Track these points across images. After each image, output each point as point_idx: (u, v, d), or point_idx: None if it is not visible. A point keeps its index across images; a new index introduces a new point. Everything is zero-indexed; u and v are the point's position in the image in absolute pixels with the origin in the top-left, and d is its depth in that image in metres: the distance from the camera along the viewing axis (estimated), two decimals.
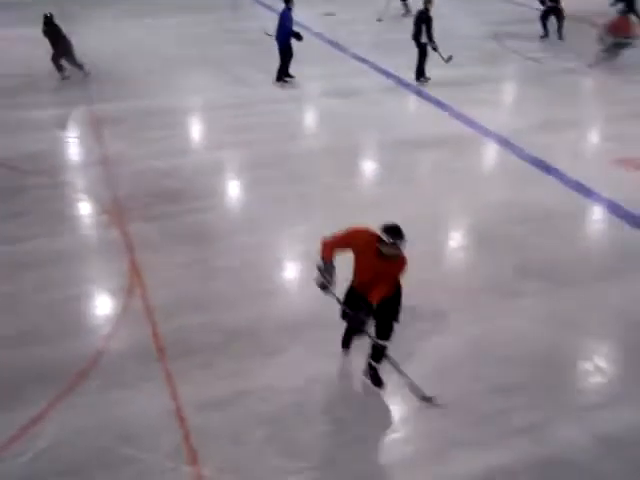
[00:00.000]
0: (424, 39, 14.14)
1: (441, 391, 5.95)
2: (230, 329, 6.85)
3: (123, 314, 7.12)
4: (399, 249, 5.49)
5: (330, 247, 5.79)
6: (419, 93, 13.97)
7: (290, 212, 9.21)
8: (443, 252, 8.47)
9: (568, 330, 6.89)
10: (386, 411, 6.00)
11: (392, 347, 5.96)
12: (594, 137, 12.52)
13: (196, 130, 12.86)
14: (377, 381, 6.11)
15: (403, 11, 20.95)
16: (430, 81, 14.38)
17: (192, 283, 7.65)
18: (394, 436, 5.72)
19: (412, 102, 13.79)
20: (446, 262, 8.26)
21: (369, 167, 11.04)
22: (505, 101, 14.49)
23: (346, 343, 6.49)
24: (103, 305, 7.49)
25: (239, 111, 12.95)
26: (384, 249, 5.49)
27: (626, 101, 13.77)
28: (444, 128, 12.01)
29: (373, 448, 5.61)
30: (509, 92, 15.09)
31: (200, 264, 8.03)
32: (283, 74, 14.54)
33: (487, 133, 11.80)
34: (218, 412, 5.84)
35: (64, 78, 14.88)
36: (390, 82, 14.66)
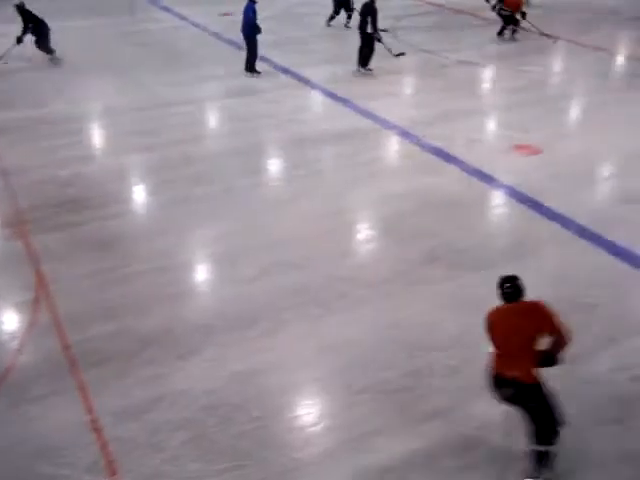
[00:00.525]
0: (370, 29, 14.49)
1: (355, 381, 6.08)
2: (143, 335, 6.78)
3: (31, 328, 6.95)
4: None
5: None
6: (320, 89, 14.08)
7: (198, 214, 9.16)
8: (351, 245, 8.58)
9: (475, 313, 7.06)
10: (303, 407, 6.07)
11: (304, 342, 6.04)
12: (491, 125, 12.92)
13: (98, 136, 12.59)
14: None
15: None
16: (330, 77, 14.55)
17: (101, 291, 7.53)
18: (313, 430, 5.78)
19: (313, 98, 13.89)
20: (354, 254, 8.36)
21: (274, 165, 11.09)
22: (404, 93, 14.75)
23: None
24: (9, 320, 7.28)
25: (141, 115, 12.77)
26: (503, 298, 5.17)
27: (518, 89, 14.27)
28: (346, 122, 12.16)
29: (293, 443, 5.65)
30: (408, 84, 15.35)
31: (108, 272, 7.90)
32: (252, 66, 14.85)
33: (388, 125, 12.01)
34: (135, 421, 5.78)
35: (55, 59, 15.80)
36: (291, 79, 14.72)
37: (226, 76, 14.85)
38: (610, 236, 8.56)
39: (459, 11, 21.64)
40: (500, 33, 18.00)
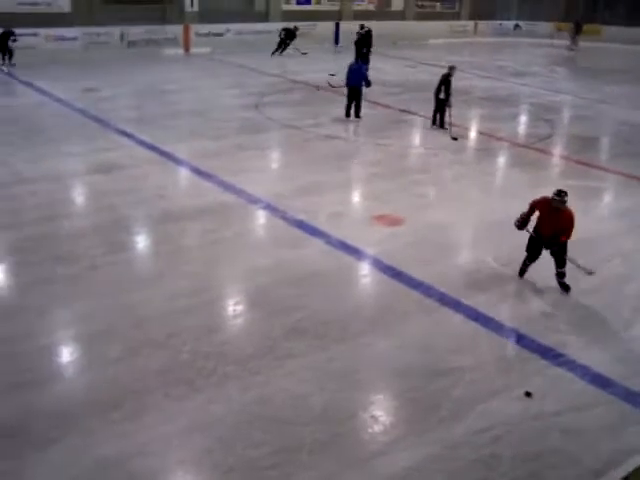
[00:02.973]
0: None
1: (223, 460, 5.96)
2: None
3: None
4: (564, 200, 8.61)
5: (522, 217, 9.29)
6: (184, 165, 14.06)
7: (60, 294, 8.82)
8: (216, 321, 8.44)
9: (342, 384, 7.16)
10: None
11: (169, 424, 5.86)
12: (353, 197, 13.28)
13: None
14: (565, 287, 9.19)
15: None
16: (195, 152, 14.63)
17: None
18: None
19: (177, 174, 13.81)
20: (220, 330, 8.22)
21: (139, 242, 10.87)
22: (269, 168, 14.93)
23: (522, 272, 9.53)
24: None
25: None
26: (554, 203, 8.71)
27: (378, 162, 14.82)
28: (210, 198, 12.14)
29: None
30: (272, 159, 15.61)
31: None
32: None
33: (252, 200, 12.10)
34: None
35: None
36: (154, 155, 14.63)
37: (89, 152, 14.56)
38: (468, 302, 8.90)
39: (321, 88, 22.39)
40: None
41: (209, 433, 6.33)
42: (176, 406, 6.63)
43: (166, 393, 6.80)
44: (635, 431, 6.64)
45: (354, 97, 18.41)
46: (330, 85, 20.20)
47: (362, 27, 26.12)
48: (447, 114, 17.65)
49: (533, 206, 9.23)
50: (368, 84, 18.39)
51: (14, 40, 24.00)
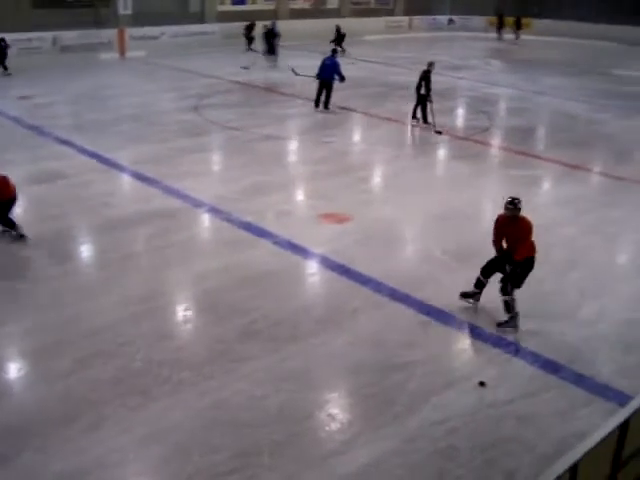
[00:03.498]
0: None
1: (183, 468, 5.92)
2: None
3: None
4: (517, 208, 8.07)
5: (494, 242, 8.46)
6: (128, 171, 13.87)
7: (4, 310, 8.59)
8: (168, 327, 8.36)
9: (297, 384, 7.17)
10: None
11: (126, 435, 5.76)
12: (299, 197, 13.28)
13: None
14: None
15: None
16: (137, 157, 14.46)
17: None
18: None
19: (121, 181, 13.62)
20: (172, 337, 8.13)
21: (85, 251, 10.67)
22: (213, 171, 14.85)
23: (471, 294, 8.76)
24: None
25: None
26: (507, 212, 8.11)
27: (322, 160, 14.85)
28: (156, 203, 12.00)
29: None
30: (214, 162, 15.53)
31: None
32: None
33: (198, 204, 12.01)
34: None
35: None
36: (95, 163, 14.36)
37: (28, 162, 14.17)
38: (418, 296, 9.00)
39: (260, 88, 22.36)
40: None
41: (167, 441, 6.27)
42: (132, 416, 6.55)
43: (121, 403, 6.72)
44: (585, 414, 6.79)
45: (325, 89, 19.10)
46: (294, 72, 20.74)
47: (272, 24, 28.65)
48: (428, 109, 17.94)
49: (495, 228, 8.45)
50: (342, 79, 19.04)
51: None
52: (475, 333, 8.26)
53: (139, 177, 13.44)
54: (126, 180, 13.64)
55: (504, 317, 8.27)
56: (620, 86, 25.80)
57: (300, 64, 25.69)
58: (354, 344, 7.94)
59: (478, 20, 43.32)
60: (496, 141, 17.70)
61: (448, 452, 6.25)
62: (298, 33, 32.03)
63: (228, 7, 37.62)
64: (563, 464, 4.76)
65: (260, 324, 8.26)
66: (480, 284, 8.63)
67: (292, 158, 16.04)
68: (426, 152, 16.41)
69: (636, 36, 36.36)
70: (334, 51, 20.04)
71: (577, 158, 15.75)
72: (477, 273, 8.60)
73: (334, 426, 6.63)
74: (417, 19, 43.70)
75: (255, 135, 16.62)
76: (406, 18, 43.49)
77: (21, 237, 10.39)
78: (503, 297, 8.26)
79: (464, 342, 8.19)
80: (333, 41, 30.49)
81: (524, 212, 8.18)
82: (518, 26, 39.14)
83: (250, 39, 28.60)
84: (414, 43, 37.47)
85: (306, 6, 40.88)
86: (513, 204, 8.09)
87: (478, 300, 8.73)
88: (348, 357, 7.70)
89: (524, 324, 8.29)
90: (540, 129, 19.90)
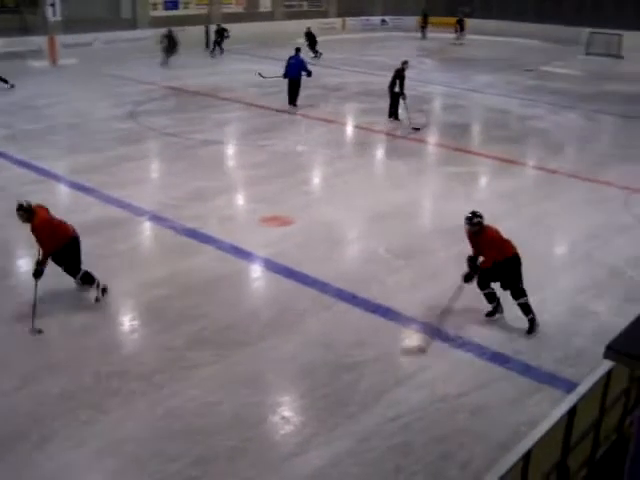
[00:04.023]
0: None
1: None
2: None
3: None
4: (473, 223, 8.07)
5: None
6: (65, 181, 13.59)
7: None
8: (115, 338, 8.24)
9: (250, 389, 7.16)
10: None
11: (78, 450, 5.66)
12: (240, 201, 13.26)
13: None
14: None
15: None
16: (74, 167, 14.20)
17: None
18: None
19: (58, 191, 13.30)
20: (120, 348, 8.01)
21: (20, 266, 10.26)
22: (152, 178, 14.66)
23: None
24: None
25: None
26: (468, 228, 8.16)
27: (262, 164, 14.84)
28: (96, 213, 11.77)
29: None
30: (154, 169, 15.32)
31: None
32: None
33: (139, 212, 11.86)
34: None
35: None
36: (32, 173, 14.01)
37: None
38: (365, 295, 9.07)
39: (197, 93, 22.21)
40: None
41: (121, 453, 6.20)
42: (84, 430, 6.45)
43: (73, 418, 6.60)
44: (535, 402, 6.96)
45: (293, 87, 20.06)
46: (261, 76, 21.16)
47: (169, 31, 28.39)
48: (401, 106, 18.53)
49: (471, 243, 8.40)
50: (309, 74, 19.97)
51: None
52: (422, 329, 8.36)
53: (77, 187, 13.18)
54: (64, 190, 13.36)
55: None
56: (547, 82, 26.49)
57: (240, 68, 25.77)
58: (304, 346, 7.96)
59: (410, 20, 43.85)
60: (434, 138, 17.96)
61: (403, 448, 6.33)
62: (233, 37, 31.86)
63: (161, 12, 37.24)
64: (516, 453, 4.87)
65: (209, 330, 8.22)
66: (490, 297, 8.48)
67: (232, 163, 15.98)
68: (366, 152, 16.53)
69: (560, 35, 37.44)
70: (298, 50, 20.64)
71: (512, 153, 16.10)
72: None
73: (289, 429, 6.65)
74: (350, 20, 44.02)
75: (194, 141, 16.50)
76: (339, 20, 43.79)
77: (103, 291, 8.89)
78: (516, 301, 8.30)
79: (412, 339, 8.28)
80: (308, 45, 30.74)
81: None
82: (462, 27, 39.50)
83: (218, 43, 29.57)
84: (348, 44, 37.70)
85: (239, 9, 40.73)
86: (467, 220, 8.10)
87: (502, 311, 8.60)
88: (299, 359, 7.73)
89: (471, 318, 8.45)
90: (475, 125, 20.27)
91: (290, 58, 20.15)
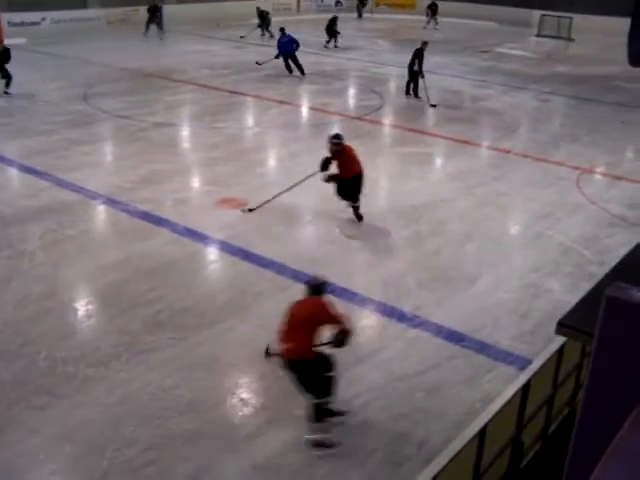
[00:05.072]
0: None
1: (96, 465, 5.82)
2: None
3: None
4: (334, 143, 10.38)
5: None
6: (15, 164, 13.32)
7: None
8: (70, 324, 8.10)
9: (207, 372, 7.15)
10: None
11: (33, 437, 5.61)
12: (195, 183, 13.16)
13: None
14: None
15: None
16: (25, 150, 13.93)
17: None
18: None
19: (9, 175, 13.03)
20: (75, 333, 7.90)
21: None
22: (105, 161, 14.42)
23: None
24: None
25: None
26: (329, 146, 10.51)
27: (216, 146, 14.74)
28: (48, 197, 11.59)
29: None
30: (107, 152, 15.08)
31: None
32: None
33: (92, 195, 11.69)
34: None
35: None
36: None
37: None
38: (323, 274, 9.06)
39: (150, 75, 21.91)
40: None
41: (78, 439, 6.15)
42: (40, 416, 6.39)
43: (27, 404, 6.53)
44: (490, 379, 7.08)
45: (292, 61, 21.88)
46: (258, 63, 22.54)
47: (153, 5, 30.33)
48: (421, 84, 19.44)
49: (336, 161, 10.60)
50: (297, 45, 22.00)
51: None
52: (380, 309, 8.43)
53: (29, 170, 12.94)
54: (14, 174, 13.11)
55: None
56: (501, 64, 26.70)
57: (191, 49, 25.50)
58: (261, 327, 7.95)
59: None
60: (389, 119, 18.02)
61: (361, 427, 6.38)
62: (185, 18, 31.44)
63: None
64: (472, 429, 4.95)
65: (165, 314, 8.17)
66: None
67: (186, 145, 15.84)
68: (320, 133, 16.41)
69: (512, 16, 37.69)
70: (283, 29, 22.35)
71: (466, 134, 16.24)
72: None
73: (247, 411, 6.67)
74: (305, 2, 43.72)
75: (147, 123, 16.30)
76: (294, 0, 43.47)
77: None
78: (353, 205, 10.84)
79: (370, 318, 8.34)
80: (260, 26, 30.58)
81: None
82: (433, 12, 38.84)
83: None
84: (302, 25, 37.31)
85: None
86: (330, 139, 10.48)
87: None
88: (256, 341, 7.69)
89: (427, 297, 8.53)
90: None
91: (280, 38, 22.21)
